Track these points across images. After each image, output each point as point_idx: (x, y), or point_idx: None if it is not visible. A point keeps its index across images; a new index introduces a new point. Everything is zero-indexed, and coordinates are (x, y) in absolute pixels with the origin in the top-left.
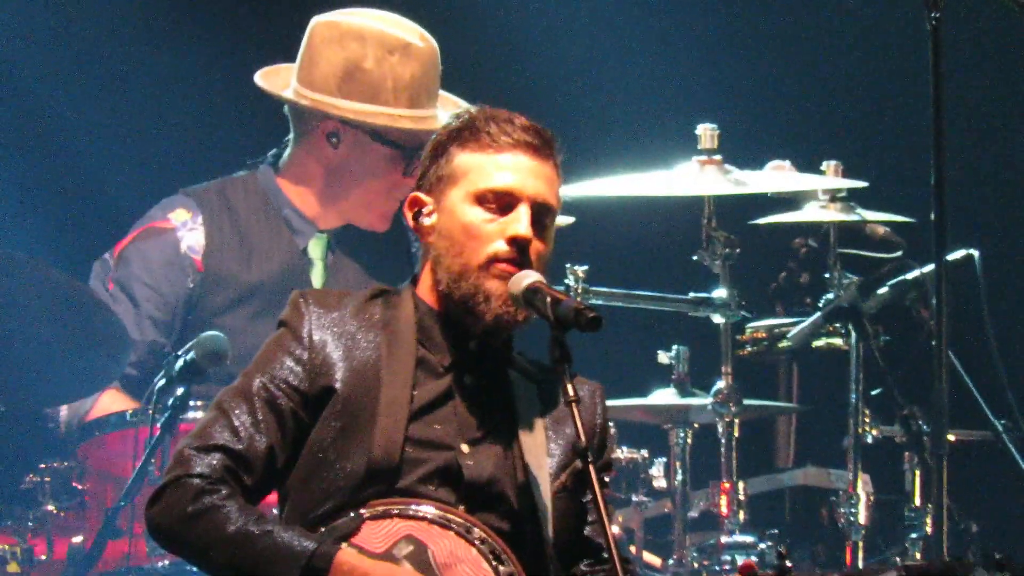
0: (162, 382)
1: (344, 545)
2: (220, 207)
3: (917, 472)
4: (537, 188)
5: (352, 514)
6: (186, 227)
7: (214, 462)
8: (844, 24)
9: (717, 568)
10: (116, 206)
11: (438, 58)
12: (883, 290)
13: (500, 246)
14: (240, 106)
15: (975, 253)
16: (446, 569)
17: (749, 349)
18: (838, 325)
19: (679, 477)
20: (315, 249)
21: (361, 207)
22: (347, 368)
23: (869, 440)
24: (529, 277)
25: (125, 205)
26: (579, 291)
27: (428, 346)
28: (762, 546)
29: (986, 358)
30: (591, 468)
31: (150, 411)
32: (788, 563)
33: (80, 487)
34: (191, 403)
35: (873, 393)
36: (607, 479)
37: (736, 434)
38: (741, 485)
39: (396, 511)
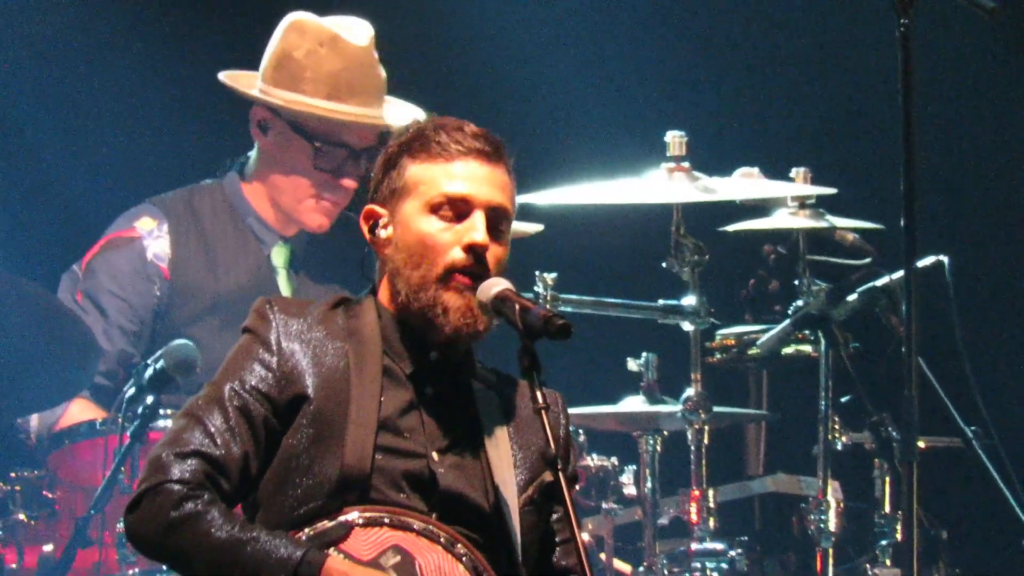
0: (132, 391)
1: (332, 551)
2: (186, 216)
3: (887, 479)
4: (491, 194)
5: (340, 520)
6: (152, 235)
7: (193, 467)
8: (813, 30)
9: (687, 575)
10: (84, 216)
11: (373, 58)
12: (853, 297)
13: (457, 254)
14: (209, 115)
15: (945, 260)
16: None
17: (718, 356)
18: (808, 332)
19: (649, 485)
20: (278, 257)
21: (293, 202)
22: (317, 376)
23: (839, 447)
24: (498, 285)
25: (93, 215)
26: (548, 299)
27: (391, 355)
28: (732, 553)
29: (956, 365)
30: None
31: (120, 420)
32: None
33: (50, 496)
34: (161, 412)
35: (843, 400)
36: (576, 488)
37: (706, 441)
38: (711, 492)
39: (387, 520)
